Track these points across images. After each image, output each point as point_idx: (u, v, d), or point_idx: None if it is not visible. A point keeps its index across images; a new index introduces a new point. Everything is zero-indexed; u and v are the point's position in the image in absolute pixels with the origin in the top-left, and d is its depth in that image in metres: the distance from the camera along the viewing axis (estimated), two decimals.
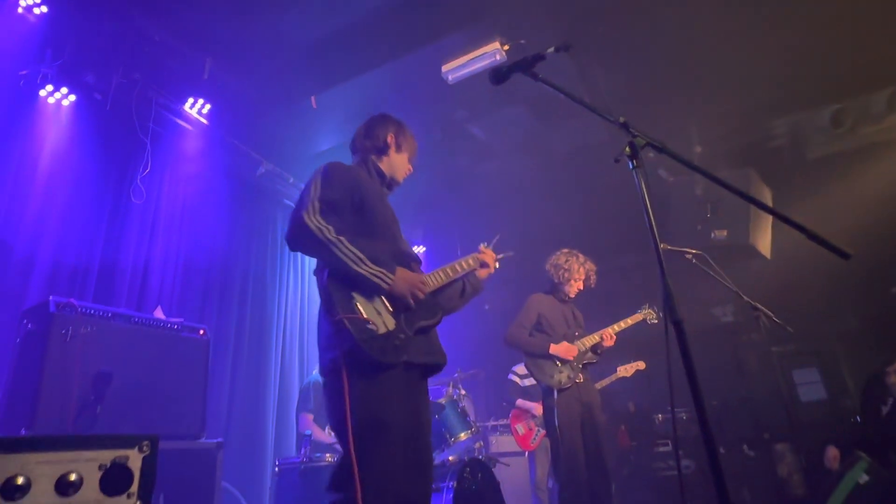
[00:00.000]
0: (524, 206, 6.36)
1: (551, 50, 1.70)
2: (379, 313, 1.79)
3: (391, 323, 1.80)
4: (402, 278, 1.84)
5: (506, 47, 3.97)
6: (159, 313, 3.17)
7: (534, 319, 3.72)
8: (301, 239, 1.81)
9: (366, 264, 1.77)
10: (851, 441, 3.83)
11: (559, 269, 3.75)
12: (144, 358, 2.82)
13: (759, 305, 3.10)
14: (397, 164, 2.19)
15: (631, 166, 1.45)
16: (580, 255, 3.79)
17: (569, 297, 3.79)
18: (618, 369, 4.72)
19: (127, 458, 1.17)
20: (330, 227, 1.78)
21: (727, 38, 4.19)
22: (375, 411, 1.70)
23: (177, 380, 2.94)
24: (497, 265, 2.39)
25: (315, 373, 4.38)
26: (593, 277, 3.82)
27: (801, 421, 5.06)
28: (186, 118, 4.34)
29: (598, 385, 4.59)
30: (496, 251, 2.39)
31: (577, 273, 3.73)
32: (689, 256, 3.05)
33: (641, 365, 4.69)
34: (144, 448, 1.20)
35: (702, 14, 3.98)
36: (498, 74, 1.79)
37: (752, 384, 5.91)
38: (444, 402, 3.80)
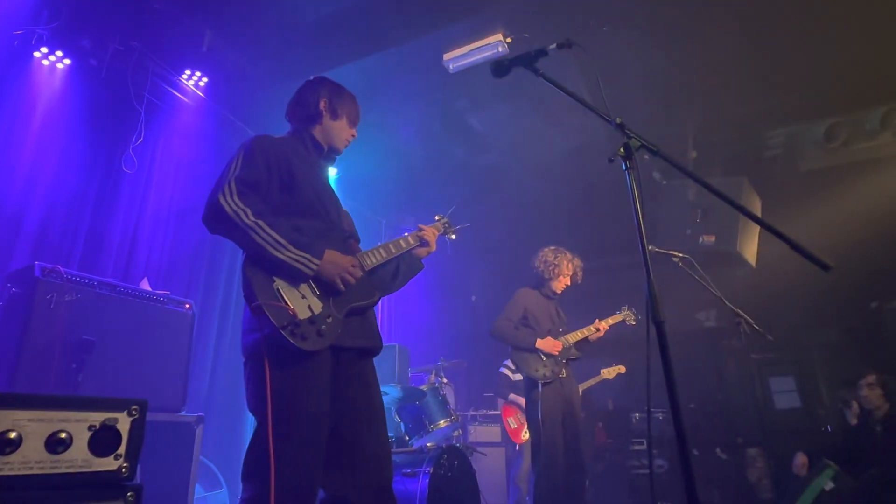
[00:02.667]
0: (517, 201, 6.38)
1: (553, 46, 1.70)
2: (303, 297, 1.69)
3: (317, 306, 1.69)
4: (329, 262, 1.73)
5: (508, 40, 3.96)
6: (145, 284, 3.15)
7: (520, 314, 3.75)
8: (216, 223, 1.68)
9: (287, 249, 1.66)
10: (821, 449, 3.93)
11: (548, 264, 3.77)
12: (128, 328, 2.81)
13: (741, 312, 3.16)
14: (334, 131, 2.01)
15: (624, 167, 1.47)
16: (568, 252, 3.83)
17: (555, 294, 3.83)
18: (601, 371, 4.79)
19: (116, 420, 1.19)
20: (248, 210, 1.65)
21: (729, 47, 4.21)
22: (295, 402, 1.61)
23: (160, 352, 2.93)
24: (454, 237, 2.30)
25: None
26: (580, 274, 3.86)
27: (775, 427, 5.16)
28: (183, 90, 4.29)
29: (583, 386, 4.68)
30: (453, 223, 2.31)
31: (565, 269, 3.76)
32: (675, 259, 3.09)
33: (622, 369, 4.77)
34: (133, 412, 1.21)
35: (705, 22, 4.00)
36: (500, 67, 1.79)
37: (729, 389, 6.01)
38: (425, 388, 3.83)
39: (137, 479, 1.21)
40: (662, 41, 4.20)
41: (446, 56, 4.18)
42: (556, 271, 3.75)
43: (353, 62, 4.32)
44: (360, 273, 1.82)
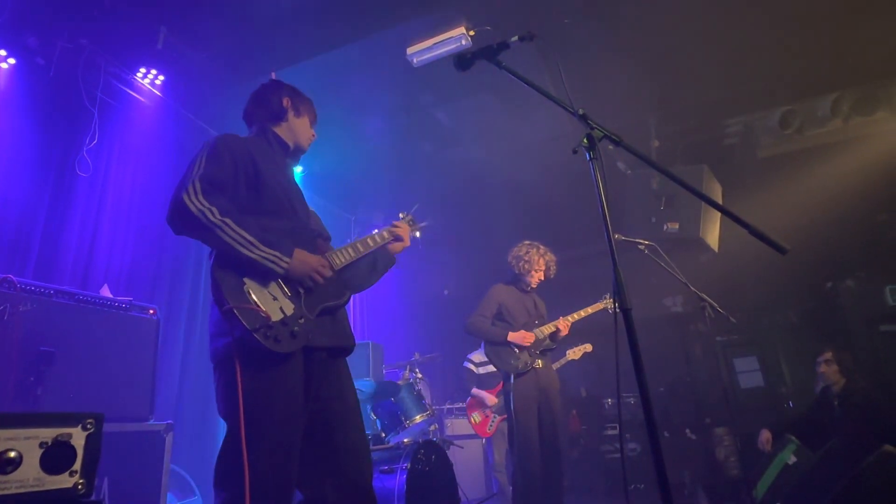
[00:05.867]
0: (487, 194, 6.41)
1: (515, 39, 1.71)
2: (274, 298, 1.67)
3: (289, 308, 1.68)
4: (300, 261, 1.72)
5: (471, 33, 3.96)
6: (106, 291, 3.05)
7: (495, 309, 3.79)
8: (181, 223, 1.64)
9: (257, 247, 1.64)
10: (784, 425, 4.09)
11: (520, 260, 3.82)
12: (89, 337, 2.71)
13: (706, 297, 3.25)
14: (298, 129, 2.01)
15: (588, 158, 1.49)
16: (541, 247, 3.88)
17: (530, 288, 3.88)
18: (567, 353, 4.84)
19: (70, 435, 1.14)
20: (213, 209, 1.61)
21: (688, 39, 4.32)
22: (268, 405, 1.59)
23: (124, 360, 2.84)
24: (418, 234, 2.32)
25: None
26: (553, 268, 3.91)
27: (740, 406, 5.34)
28: (138, 89, 4.15)
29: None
30: (417, 220, 2.32)
31: (537, 264, 3.81)
32: (641, 247, 3.15)
33: (589, 347, 4.80)
34: (88, 426, 1.17)
35: (664, 14, 4.08)
36: (462, 60, 1.79)
37: (697, 371, 6.19)
38: (400, 384, 3.83)
39: (103, 495, 1.18)
40: (623, 33, 4.27)
41: (410, 50, 4.15)
42: (527, 267, 3.80)
43: (315, 57, 4.25)
44: (329, 272, 1.81)
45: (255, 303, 1.61)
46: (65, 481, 1.12)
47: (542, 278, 3.87)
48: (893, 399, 4.18)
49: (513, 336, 3.63)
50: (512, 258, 3.86)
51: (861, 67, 4.69)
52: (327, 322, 1.81)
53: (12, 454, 1.05)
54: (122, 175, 4.11)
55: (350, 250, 1.96)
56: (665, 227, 4.89)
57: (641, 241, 3.16)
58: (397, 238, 2.17)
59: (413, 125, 5.34)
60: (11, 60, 3.43)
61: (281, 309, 1.66)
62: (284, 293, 1.70)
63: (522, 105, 5.05)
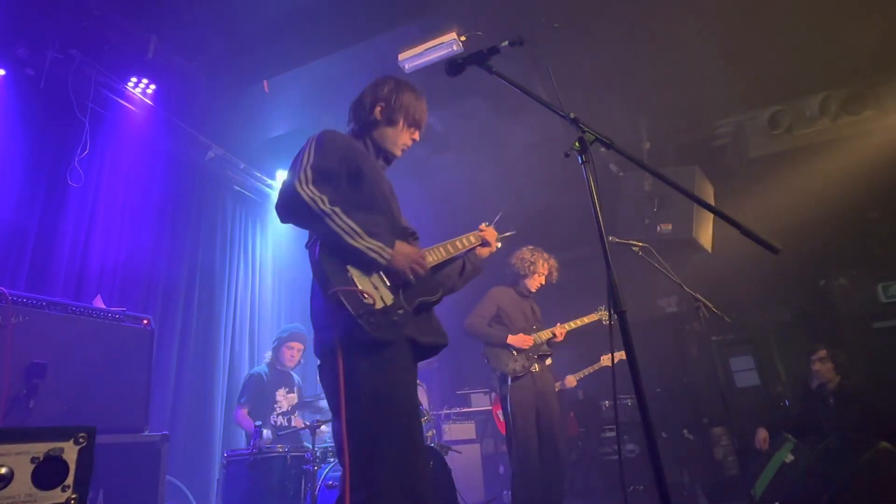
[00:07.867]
0: (479, 199, 6.41)
1: (505, 44, 1.72)
2: (376, 287, 1.69)
3: (389, 298, 1.70)
4: (401, 252, 1.73)
5: (463, 38, 3.98)
6: (99, 302, 3.03)
7: (493, 311, 3.81)
8: (292, 210, 1.68)
9: (362, 238, 1.67)
10: (780, 424, 4.10)
11: (525, 262, 3.85)
12: (83, 349, 2.69)
13: (700, 297, 3.26)
14: (389, 137, 2.00)
15: (580, 160, 1.49)
16: (544, 252, 3.93)
17: (529, 292, 3.90)
18: (601, 358, 4.87)
19: (62, 450, 1.13)
20: (324, 198, 1.65)
21: (677, 41, 4.35)
22: (381, 393, 1.60)
23: (118, 371, 2.82)
24: (499, 244, 2.34)
25: (261, 365, 4.29)
26: (555, 274, 3.95)
27: (737, 405, 5.34)
28: (129, 98, 4.14)
29: (582, 374, 4.75)
30: (498, 230, 2.33)
31: (541, 268, 3.85)
32: (635, 249, 3.16)
33: (622, 355, 4.81)
34: (81, 440, 1.16)
35: (653, 19, 4.12)
36: (453, 66, 1.80)
37: (693, 372, 6.20)
38: None
39: None
40: (613, 37, 4.29)
41: (401, 56, 4.16)
42: (531, 269, 3.83)
43: (306, 65, 4.25)
44: (427, 266, 1.84)
45: (358, 287, 1.64)
46: (57, 496, 1.11)
47: (543, 283, 3.91)
48: (888, 395, 4.20)
49: (512, 339, 3.65)
50: (516, 259, 3.88)
51: (848, 67, 4.74)
52: (425, 319, 1.83)
53: (3, 470, 1.04)
54: (114, 185, 4.09)
55: (441, 250, 2.01)
56: (658, 229, 4.91)
57: (635, 242, 3.17)
58: (484, 243, 2.20)
59: None
60: (1, 71, 3.42)
61: (382, 298, 1.68)
62: (385, 283, 1.73)
63: (514, 109, 5.07)
